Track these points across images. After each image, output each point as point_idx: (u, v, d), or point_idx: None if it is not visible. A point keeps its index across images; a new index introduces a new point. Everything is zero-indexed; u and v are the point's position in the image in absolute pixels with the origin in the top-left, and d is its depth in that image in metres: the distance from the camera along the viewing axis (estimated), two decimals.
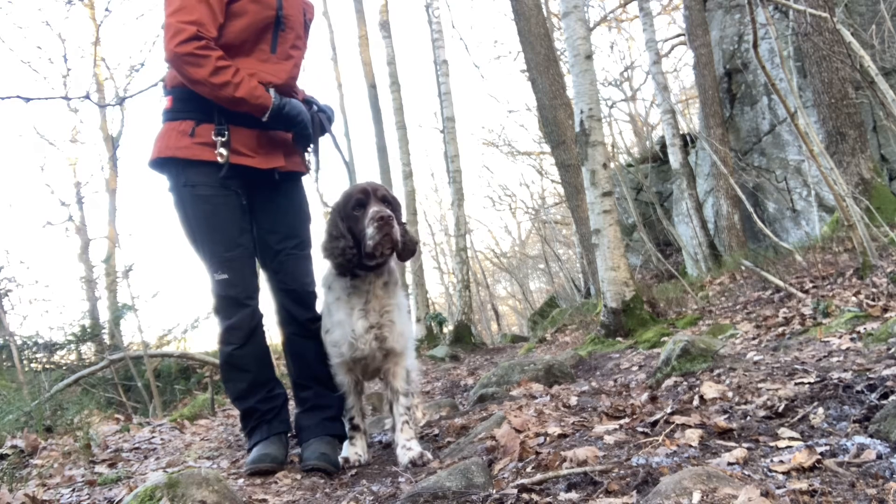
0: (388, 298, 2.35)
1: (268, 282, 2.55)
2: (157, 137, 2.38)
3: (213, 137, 2.29)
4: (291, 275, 2.50)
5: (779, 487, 1.33)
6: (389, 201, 2.32)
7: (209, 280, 2.38)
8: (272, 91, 2.31)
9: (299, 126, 2.41)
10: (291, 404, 2.64)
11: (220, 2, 2.26)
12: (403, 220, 2.40)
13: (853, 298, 3.71)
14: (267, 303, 2.58)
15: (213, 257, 2.35)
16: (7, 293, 7.06)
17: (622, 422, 2.09)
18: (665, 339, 4.29)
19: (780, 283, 4.70)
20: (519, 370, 3.62)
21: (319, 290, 2.52)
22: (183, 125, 2.32)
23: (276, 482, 2.18)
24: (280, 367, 3.04)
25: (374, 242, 2.19)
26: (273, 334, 3.13)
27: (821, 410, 1.82)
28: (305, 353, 2.51)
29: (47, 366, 6.68)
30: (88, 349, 7.40)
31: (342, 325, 2.35)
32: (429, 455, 2.24)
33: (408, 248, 2.31)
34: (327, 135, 2.64)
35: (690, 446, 1.71)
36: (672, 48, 14.88)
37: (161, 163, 2.37)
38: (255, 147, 2.38)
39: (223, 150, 2.29)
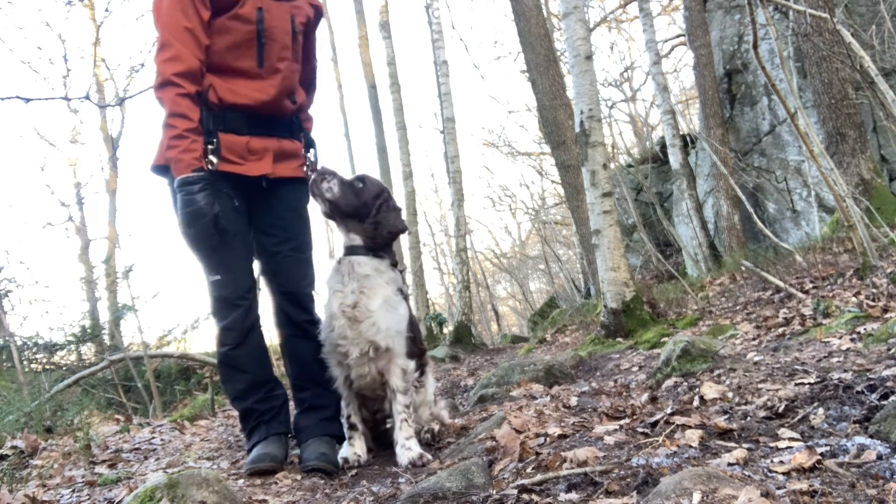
0: (368, 286, 2.32)
1: (266, 284, 2.56)
2: (158, 145, 2.42)
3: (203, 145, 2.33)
4: (288, 276, 2.51)
5: (779, 488, 1.33)
6: (364, 181, 2.40)
7: (206, 281, 2.41)
8: (194, 175, 2.22)
9: (180, 216, 2.28)
10: (292, 405, 2.64)
11: (200, 23, 2.29)
12: (399, 207, 2.47)
13: (853, 299, 3.71)
14: (266, 304, 2.60)
15: (206, 259, 2.38)
16: (7, 294, 7.05)
17: (622, 422, 2.09)
18: (665, 339, 4.29)
19: (781, 284, 4.70)
20: (519, 371, 3.62)
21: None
22: None
23: (276, 483, 2.18)
24: (280, 368, 3.04)
25: None
26: (273, 335, 3.12)
27: (821, 411, 1.82)
28: (303, 354, 2.52)
29: (47, 366, 6.67)
30: (88, 350, 7.39)
31: (326, 308, 2.39)
32: (429, 455, 2.24)
33: (339, 207, 2.35)
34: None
35: (690, 447, 1.71)
36: (672, 49, 14.90)
37: (160, 169, 2.42)
38: (243, 154, 2.39)
39: (213, 158, 2.32)
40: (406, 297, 2.46)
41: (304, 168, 2.61)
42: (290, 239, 2.52)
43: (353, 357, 2.32)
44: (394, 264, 2.42)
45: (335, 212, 2.38)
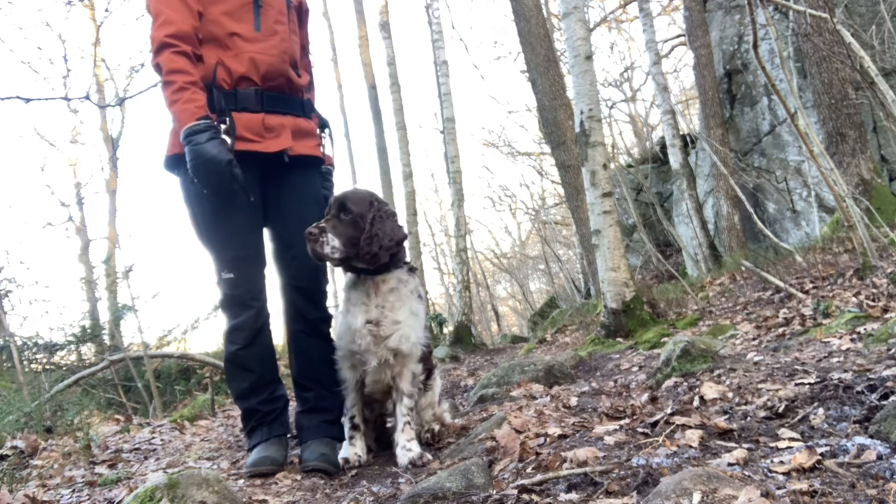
0: (394, 301, 2.31)
1: (279, 276, 2.52)
2: (168, 137, 2.39)
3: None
4: (303, 271, 2.46)
5: (779, 488, 1.33)
6: (348, 209, 2.24)
7: (216, 277, 2.38)
8: (201, 123, 2.18)
9: (191, 168, 2.18)
10: (292, 405, 2.63)
11: None
12: (393, 212, 2.36)
13: (853, 299, 3.71)
14: (275, 299, 2.55)
15: (219, 255, 2.36)
16: (7, 294, 7.05)
17: (622, 422, 2.09)
18: (665, 339, 4.29)
19: (781, 284, 4.70)
20: (519, 371, 3.62)
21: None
22: None
23: (276, 483, 2.18)
24: (282, 367, 3.04)
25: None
26: (277, 333, 3.11)
27: (821, 411, 1.82)
28: (310, 351, 2.50)
29: (47, 366, 6.67)
30: (88, 350, 7.38)
31: (345, 317, 2.36)
32: (428, 455, 2.24)
33: (351, 255, 2.23)
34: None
35: (690, 447, 1.70)
36: (672, 49, 14.88)
37: (172, 161, 2.38)
38: (260, 131, 2.35)
39: (227, 138, 2.27)
40: (423, 300, 2.45)
41: (320, 148, 2.58)
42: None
43: (372, 365, 2.32)
44: (412, 269, 2.39)
45: (352, 259, 2.27)
